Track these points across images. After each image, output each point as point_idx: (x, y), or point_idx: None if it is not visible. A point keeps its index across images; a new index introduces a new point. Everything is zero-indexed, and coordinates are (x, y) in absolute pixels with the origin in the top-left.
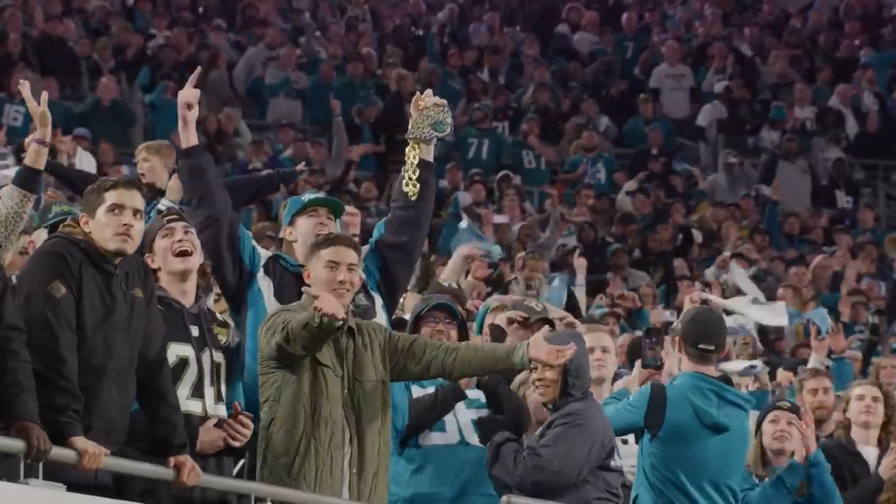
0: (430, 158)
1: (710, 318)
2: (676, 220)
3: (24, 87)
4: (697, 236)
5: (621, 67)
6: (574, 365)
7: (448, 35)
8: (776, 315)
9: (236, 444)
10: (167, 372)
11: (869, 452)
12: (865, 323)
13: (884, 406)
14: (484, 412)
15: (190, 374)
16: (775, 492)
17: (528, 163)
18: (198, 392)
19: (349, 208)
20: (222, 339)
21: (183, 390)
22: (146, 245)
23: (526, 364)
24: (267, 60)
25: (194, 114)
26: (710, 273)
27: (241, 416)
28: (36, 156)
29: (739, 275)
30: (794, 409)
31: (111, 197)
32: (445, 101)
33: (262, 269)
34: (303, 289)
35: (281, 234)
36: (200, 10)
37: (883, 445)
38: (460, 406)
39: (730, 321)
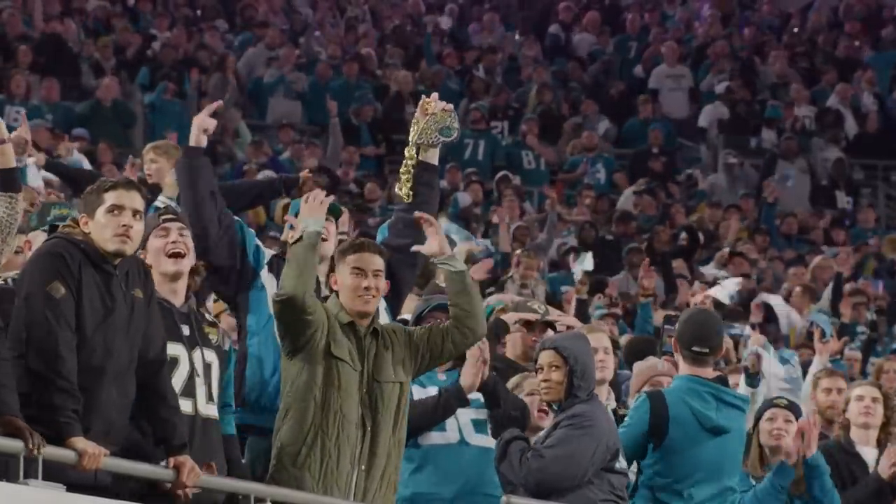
0: (436, 162)
1: (704, 320)
2: (678, 221)
3: None
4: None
5: (620, 68)
6: (579, 366)
7: (447, 35)
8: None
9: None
10: (167, 372)
11: (868, 453)
12: (866, 323)
13: (883, 407)
14: (484, 412)
15: (181, 373)
16: (767, 495)
17: (528, 163)
18: (188, 391)
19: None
20: (213, 338)
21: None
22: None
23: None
24: (268, 60)
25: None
26: (708, 271)
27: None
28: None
29: (722, 292)
30: (792, 407)
31: (111, 198)
32: (452, 106)
33: (266, 267)
34: (285, 217)
35: (283, 237)
36: (199, 12)
37: (882, 446)
38: None
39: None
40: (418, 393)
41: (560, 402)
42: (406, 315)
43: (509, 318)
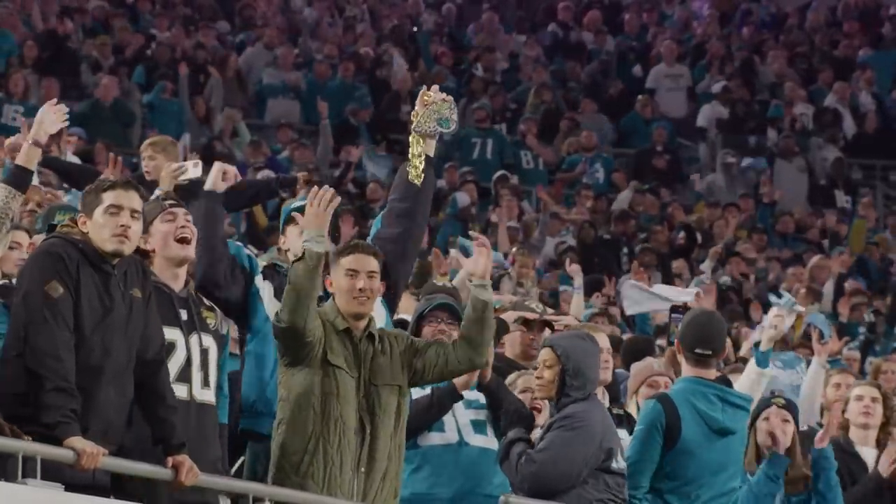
0: (432, 153)
1: (707, 321)
2: (676, 220)
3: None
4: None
5: (619, 67)
6: (571, 364)
7: (445, 35)
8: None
9: None
10: (165, 372)
11: (867, 453)
12: (865, 323)
13: (882, 407)
14: (483, 413)
15: (177, 358)
16: (761, 486)
17: (527, 163)
18: (184, 376)
19: None
20: (211, 322)
21: (169, 371)
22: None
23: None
24: (267, 60)
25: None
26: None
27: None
28: (28, 156)
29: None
30: (789, 406)
31: (109, 198)
32: (451, 97)
33: (260, 274)
34: (293, 214)
35: (279, 244)
36: (197, 15)
37: (881, 446)
38: (459, 406)
39: None
40: (415, 393)
41: (554, 400)
42: (405, 315)
43: (508, 316)
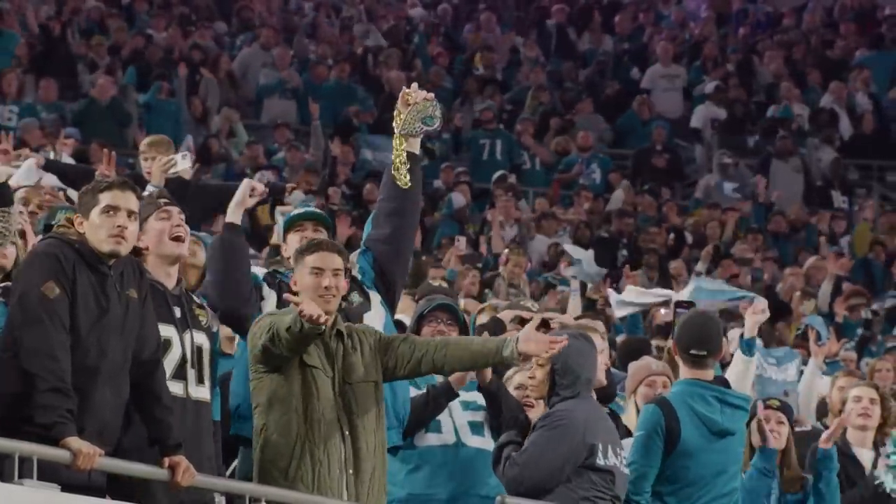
0: (417, 150)
1: (703, 322)
2: (672, 221)
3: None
4: (688, 238)
5: (615, 68)
6: (560, 363)
7: (442, 35)
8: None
9: None
10: (161, 372)
11: (864, 455)
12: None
13: (880, 408)
14: (480, 414)
15: (172, 356)
16: (754, 481)
17: (524, 164)
18: (180, 373)
19: None
20: (203, 320)
21: (165, 371)
22: None
23: (516, 358)
24: (267, 61)
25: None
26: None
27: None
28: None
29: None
30: (784, 408)
31: (105, 198)
32: (433, 95)
33: (265, 283)
34: (285, 296)
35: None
36: (194, 16)
37: (878, 448)
38: (456, 407)
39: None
40: (412, 392)
41: (543, 400)
42: (404, 316)
43: (506, 315)
